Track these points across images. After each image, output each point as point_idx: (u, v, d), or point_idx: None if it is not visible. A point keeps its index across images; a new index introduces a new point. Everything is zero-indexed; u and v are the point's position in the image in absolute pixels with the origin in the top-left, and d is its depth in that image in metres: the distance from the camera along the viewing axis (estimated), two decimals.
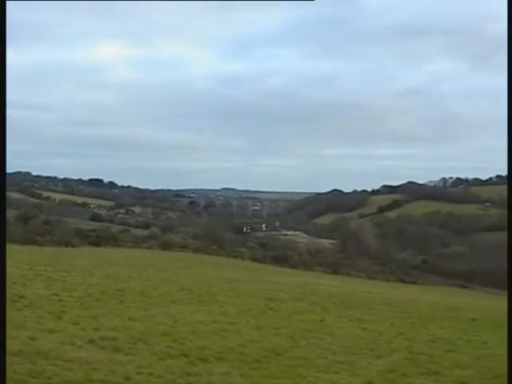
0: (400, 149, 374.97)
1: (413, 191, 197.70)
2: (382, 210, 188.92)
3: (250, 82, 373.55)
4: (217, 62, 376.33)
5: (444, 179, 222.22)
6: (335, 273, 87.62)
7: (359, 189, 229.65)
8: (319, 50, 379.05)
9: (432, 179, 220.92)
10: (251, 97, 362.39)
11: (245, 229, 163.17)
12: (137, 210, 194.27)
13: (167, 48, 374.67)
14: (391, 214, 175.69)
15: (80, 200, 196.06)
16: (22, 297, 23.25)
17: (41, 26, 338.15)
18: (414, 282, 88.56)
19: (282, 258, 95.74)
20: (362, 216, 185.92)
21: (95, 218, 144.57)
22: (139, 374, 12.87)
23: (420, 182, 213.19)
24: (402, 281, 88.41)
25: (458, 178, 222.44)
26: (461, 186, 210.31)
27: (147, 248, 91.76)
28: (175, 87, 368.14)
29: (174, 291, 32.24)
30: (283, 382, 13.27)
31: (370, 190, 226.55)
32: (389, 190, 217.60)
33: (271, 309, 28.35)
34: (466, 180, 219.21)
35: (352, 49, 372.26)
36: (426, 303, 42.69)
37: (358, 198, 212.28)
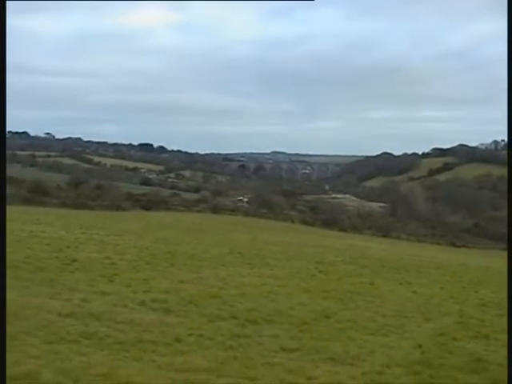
0: (449, 111, 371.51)
1: (464, 154, 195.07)
2: (432, 172, 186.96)
3: (294, 45, 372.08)
4: (259, 25, 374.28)
5: (495, 142, 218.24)
6: (385, 236, 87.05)
7: (409, 152, 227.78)
8: (363, 11, 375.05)
9: (483, 142, 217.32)
10: (296, 60, 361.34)
11: None
12: (187, 174, 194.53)
13: (207, 12, 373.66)
14: (442, 177, 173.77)
15: (130, 165, 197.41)
16: (74, 260, 23.64)
17: None
18: (464, 246, 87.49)
19: (332, 221, 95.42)
20: (412, 179, 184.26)
21: (146, 182, 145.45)
22: (190, 335, 13.03)
23: (471, 144, 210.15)
24: (453, 244, 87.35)
25: None
26: None
27: (197, 212, 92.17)
28: (218, 51, 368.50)
29: (224, 254, 32.41)
30: (332, 345, 13.29)
31: (420, 152, 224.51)
32: (439, 152, 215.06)
33: (321, 272, 28.38)
34: None
35: (396, 8, 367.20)
36: (476, 267, 42.33)
37: (408, 161, 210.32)
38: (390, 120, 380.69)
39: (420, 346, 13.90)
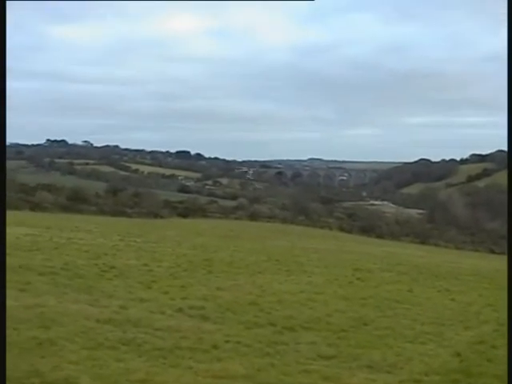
0: (488, 116, 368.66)
1: (503, 160, 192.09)
2: (471, 179, 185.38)
3: (331, 51, 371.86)
4: (295, 31, 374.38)
5: None
6: (423, 243, 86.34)
7: (447, 158, 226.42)
8: (398, 16, 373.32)
9: None
10: (332, 66, 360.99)
11: None
12: (224, 181, 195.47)
13: (244, 19, 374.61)
14: (480, 184, 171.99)
15: (168, 172, 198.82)
16: (112, 267, 23.80)
17: (117, 2, 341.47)
18: (503, 253, 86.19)
19: (369, 228, 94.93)
20: (450, 185, 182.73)
21: (183, 189, 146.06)
22: (227, 342, 13.04)
23: None
24: (492, 251, 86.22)
25: None
26: None
27: (235, 219, 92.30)
28: (255, 58, 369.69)
29: (262, 261, 32.38)
30: (370, 352, 13.24)
31: (458, 159, 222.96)
32: (478, 158, 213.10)
33: (358, 279, 28.22)
34: None
35: (431, 13, 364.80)
36: None
37: (447, 168, 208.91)
38: (428, 126, 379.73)
39: (459, 354, 13.80)
